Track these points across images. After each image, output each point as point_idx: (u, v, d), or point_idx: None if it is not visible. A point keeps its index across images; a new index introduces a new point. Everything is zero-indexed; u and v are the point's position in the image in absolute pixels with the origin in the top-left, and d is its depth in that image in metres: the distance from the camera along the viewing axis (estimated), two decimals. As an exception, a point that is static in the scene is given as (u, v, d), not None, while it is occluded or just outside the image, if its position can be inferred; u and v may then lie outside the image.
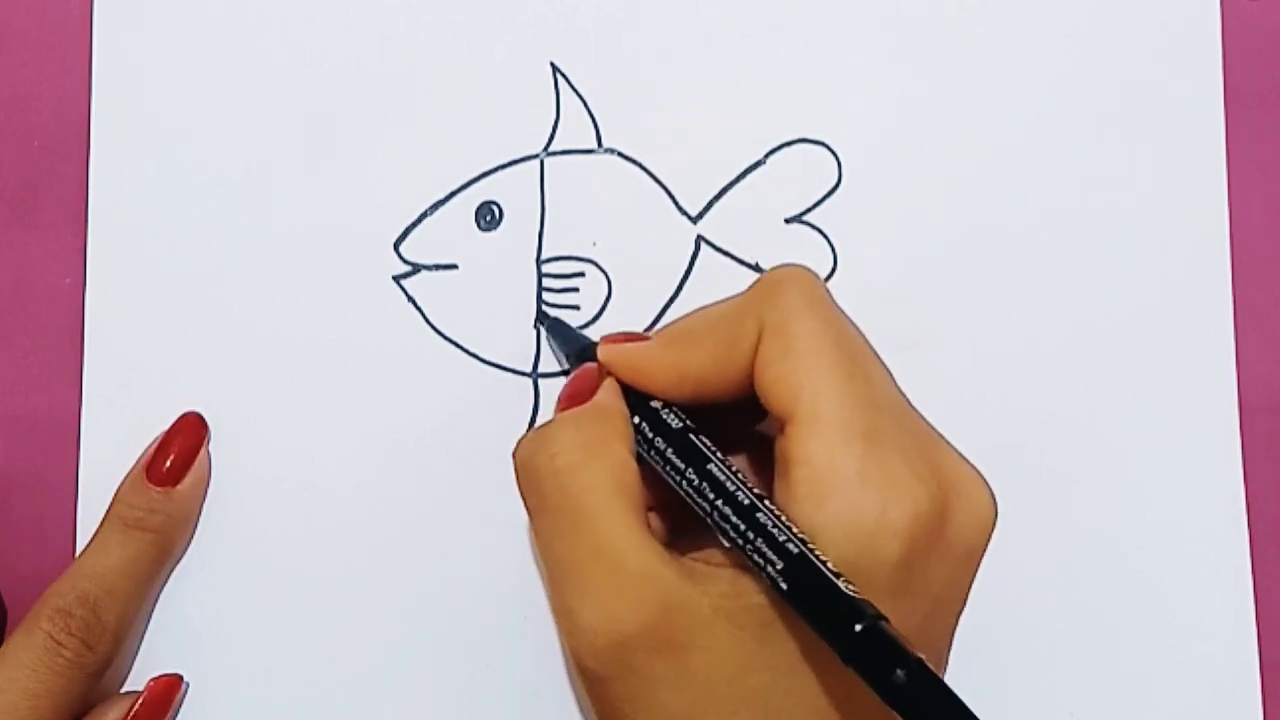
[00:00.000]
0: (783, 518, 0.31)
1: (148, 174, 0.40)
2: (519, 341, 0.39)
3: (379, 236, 0.40)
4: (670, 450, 0.33)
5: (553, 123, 0.40)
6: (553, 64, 0.40)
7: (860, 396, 0.31)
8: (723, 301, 0.34)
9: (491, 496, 0.39)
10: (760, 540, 0.30)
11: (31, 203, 0.40)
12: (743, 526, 0.31)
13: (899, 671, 0.27)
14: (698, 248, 0.40)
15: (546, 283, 0.40)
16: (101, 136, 0.40)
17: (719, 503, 0.32)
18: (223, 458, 0.39)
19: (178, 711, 0.38)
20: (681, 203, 0.40)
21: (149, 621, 0.38)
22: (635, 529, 0.31)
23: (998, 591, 0.36)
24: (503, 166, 0.40)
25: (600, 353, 0.36)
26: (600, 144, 0.40)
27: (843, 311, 0.33)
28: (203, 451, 0.39)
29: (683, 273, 0.40)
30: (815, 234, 0.40)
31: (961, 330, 0.40)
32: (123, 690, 0.38)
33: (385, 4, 0.40)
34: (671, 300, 0.40)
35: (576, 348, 0.38)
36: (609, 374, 0.35)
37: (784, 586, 0.30)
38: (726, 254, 0.40)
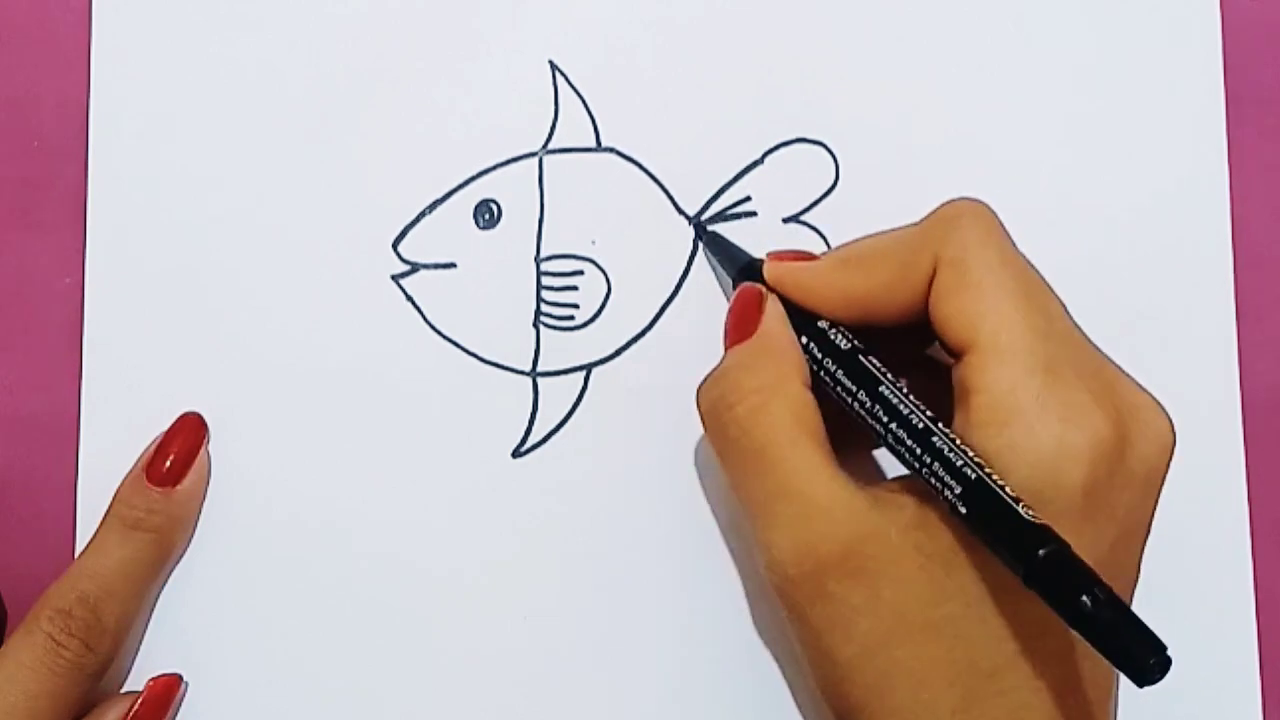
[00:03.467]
0: (958, 442, 0.31)
1: (147, 174, 0.40)
2: (518, 340, 0.39)
3: (377, 236, 0.40)
4: (840, 371, 0.33)
5: (551, 121, 0.40)
6: (551, 62, 0.40)
7: (1038, 328, 0.32)
8: (895, 230, 0.35)
9: (491, 495, 0.39)
10: (937, 464, 0.30)
11: (31, 203, 0.40)
12: (918, 450, 0.31)
13: (1084, 598, 0.27)
14: (696, 247, 0.40)
15: (545, 281, 0.40)
16: (101, 136, 0.40)
17: (892, 425, 0.32)
18: (223, 458, 0.39)
19: (177, 711, 0.38)
20: (680, 201, 0.40)
21: (149, 621, 0.38)
22: (820, 463, 0.32)
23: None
24: (501, 165, 0.40)
25: (767, 270, 0.36)
26: (599, 142, 0.40)
27: (1016, 246, 0.33)
28: (203, 452, 0.39)
29: (681, 271, 0.40)
30: (813, 234, 0.40)
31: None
32: (123, 690, 0.38)
33: (384, 3, 0.40)
34: (671, 299, 0.40)
35: (739, 264, 0.38)
36: (772, 292, 0.36)
37: (963, 511, 0.30)
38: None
